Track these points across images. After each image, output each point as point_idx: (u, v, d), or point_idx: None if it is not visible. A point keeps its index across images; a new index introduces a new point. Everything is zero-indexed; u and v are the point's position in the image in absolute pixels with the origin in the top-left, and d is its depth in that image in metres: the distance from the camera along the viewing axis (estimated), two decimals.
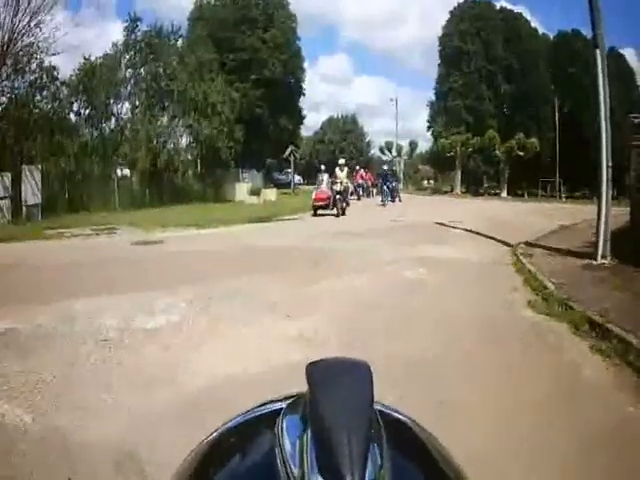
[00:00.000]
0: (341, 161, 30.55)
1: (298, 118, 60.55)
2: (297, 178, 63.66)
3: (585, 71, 40.18)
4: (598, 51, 10.42)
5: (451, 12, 64.66)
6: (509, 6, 66.29)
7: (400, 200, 37.60)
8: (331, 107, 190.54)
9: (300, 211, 27.73)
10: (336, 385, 0.81)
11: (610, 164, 10.42)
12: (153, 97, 35.75)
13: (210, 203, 32.38)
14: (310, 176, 65.18)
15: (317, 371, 0.85)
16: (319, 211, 26.07)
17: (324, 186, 26.75)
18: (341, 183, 27.17)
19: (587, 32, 11.82)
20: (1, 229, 18.37)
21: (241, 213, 25.44)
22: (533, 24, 65.03)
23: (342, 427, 0.72)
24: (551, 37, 64.18)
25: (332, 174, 28.92)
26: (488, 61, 59.86)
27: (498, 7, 64.49)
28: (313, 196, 27.44)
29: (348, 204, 28.37)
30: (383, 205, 34.55)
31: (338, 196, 26.02)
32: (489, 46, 59.85)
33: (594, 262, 10.07)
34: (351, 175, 38.65)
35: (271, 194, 38.12)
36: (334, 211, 25.77)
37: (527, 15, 67.80)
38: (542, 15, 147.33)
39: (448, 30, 63.46)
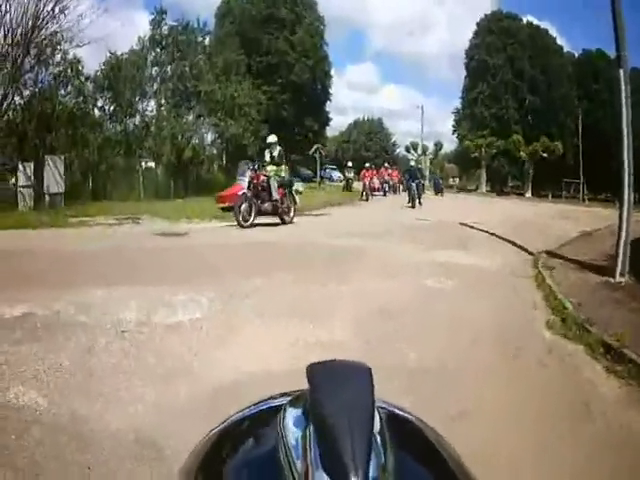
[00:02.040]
0: (271, 138, 20.25)
1: (324, 120, 60.62)
2: (336, 175, 62.55)
3: (608, 88, 40.26)
4: (622, 71, 10.43)
5: (478, 24, 65.14)
6: (535, 21, 66.53)
7: (420, 203, 31.29)
8: (358, 112, 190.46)
9: (327, 205, 27.61)
10: (337, 385, 0.81)
11: (632, 171, 10.40)
12: (180, 97, 35.91)
13: None
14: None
15: (318, 372, 0.85)
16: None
17: (246, 179, 18.39)
18: (256, 172, 18.55)
19: (611, 52, 11.79)
20: (22, 216, 18.41)
21: None
22: (558, 41, 65.65)
23: (344, 425, 0.73)
24: (575, 55, 64.47)
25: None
26: (513, 75, 60.08)
27: (525, 21, 64.89)
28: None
29: (288, 207, 19.62)
30: (411, 207, 30.06)
31: (242, 191, 17.86)
32: (514, 60, 59.98)
33: (612, 280, 10.02)
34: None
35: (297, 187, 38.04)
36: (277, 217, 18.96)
37: (553, 32, 67.75)
38: (566, 32, 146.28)
39: (474, 43, 63.70)
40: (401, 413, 1.03)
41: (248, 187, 17.95)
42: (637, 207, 12.21)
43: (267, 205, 18.50)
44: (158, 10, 36.96)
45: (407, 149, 74.42)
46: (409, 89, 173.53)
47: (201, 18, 45.79)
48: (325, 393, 0.80)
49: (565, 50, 65.17)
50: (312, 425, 0.80)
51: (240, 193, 17.80)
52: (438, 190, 48.57)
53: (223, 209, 18.74)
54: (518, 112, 60.41)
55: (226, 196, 19.05)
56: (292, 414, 0.90)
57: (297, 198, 20.27)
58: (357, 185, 42.84)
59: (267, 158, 19.59)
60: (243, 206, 17.47)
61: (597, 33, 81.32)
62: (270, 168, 18.93)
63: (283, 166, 19.80)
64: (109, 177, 28.45)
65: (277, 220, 18.89)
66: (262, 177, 18.50)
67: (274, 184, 18.61)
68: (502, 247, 15.11)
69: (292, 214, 19.68)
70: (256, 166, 18.79)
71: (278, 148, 19.75)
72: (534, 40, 60.88)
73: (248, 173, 18.29)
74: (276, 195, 18.64)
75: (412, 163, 37.67)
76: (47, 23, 24.88)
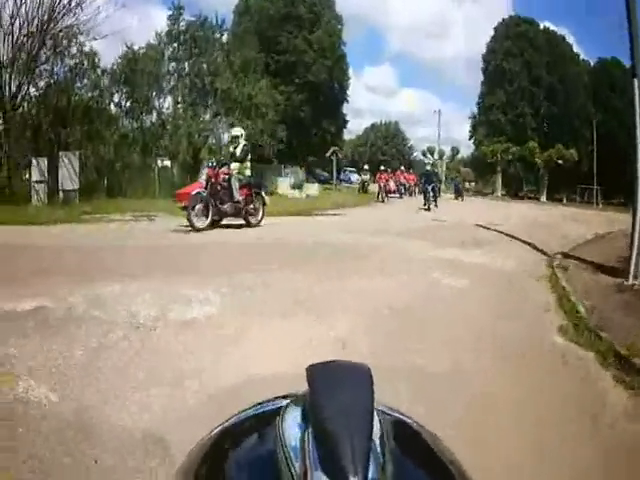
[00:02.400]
0: (235, 131, 18.72)
1: (341, 123, 60.76)
2: (355, 177, 59.64)
3: (623, 97, 40.43)
4: (636, 80, 10.39)
5: (495, 29, 65.41)
6: (552, 26, 66.74)
7: (437, 206, 31.42)
8: (375, 115, 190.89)
9: (341, 206, 27.24)
10: (337, 387, 0.81)
11: None
12: (197, 94, 36.04)
13: None
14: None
15: (318, 373, 0.85)
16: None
17: (204, 177, 16.56)
18: (215, 169, 16.60)
19: (626, 60, 11.78)
20: (37, 213, 18.22)
21: (282, 207, 23.67)
22: (575, 49, 66.23)
23: (344, 427, 0.73)
24: (591, 63, 64.78)
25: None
26: (530, 82, 60.31)
27: (542, 27, 65.14)
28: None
29: (255, 209, 17.66)
30: (427, 209, 29.98)
31: (197, 190, 16.10)
32: (531, 67, 60.25)
33: (626, 282, 9.95)
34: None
35: (313, 189, 38.06)
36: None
37: (569, 39, 68.10)
38: (582, 39, 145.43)
39: (492, 47, 64.03)
40: (400, 417, 1.02)
41: (205, 186, 16.20)
42: None
43: (227, 206, 16.63)
44: (176, 6, 37.14)
45: (424, 153, 74.72)
46: (426, 93, 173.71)
47: (219, 15, 45.73)
48: (325, 395, 0.79)
49: (581, 58, 65.52)
50: (311, 428, 0.79)
51: (194, 192, 16.06)
52: (458, 194, 46.96)
53: (183, 208, 16.63)
54: (534, 119, 60.74)
55: (184, 194, 18.02)
56: (292, 416, 0.89)
57: (267, 199, 18.34)
58: (373, 187, 42.94)
59: (237, 141, 17.82)
60: (197, 207, 15.69)
61: (612, 42, 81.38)
62: (233, 166, 16.92)
63: (248, 163, 17.91)
64: (124, 175, 28.35)
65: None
66: (222, 175, 16.61)
67: (235, 184, 16.71)
68: (517, 247, 15.10)
69: (260, 217, 17.75)
70: (214, 163, 17.05)
71: (242, 143, 17.70)
72: (551, 46, 61.36)
73: (205, 170, 16.69)
74: (238, 196, 16.75)
75: (428, 167, 37.28)
76: (63, 16, 25.07)
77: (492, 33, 66.15)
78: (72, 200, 22.06)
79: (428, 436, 0.98)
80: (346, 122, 63.00)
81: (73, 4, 24.96)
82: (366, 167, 48.17)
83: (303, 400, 0.88)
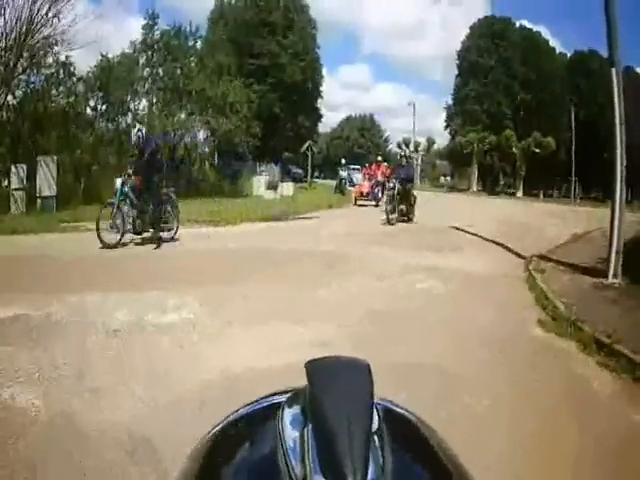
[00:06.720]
0: None
1: (316, 118, 60.64)
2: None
3: (601, 87, 40.37)
4: (614, 70, 10.43)
5: (471, 27, 65.31)
6: (529, 25, 66.72)
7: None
8: (351, 109, 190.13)
9: (319, 208, 26.80)
10: (336, 384, 0.82)
11: (624, 163, 10.38)
12: (171, 95, 35.88)
13: (227, 197, 30.99)
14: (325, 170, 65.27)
15: (317, 369, 0.86)
16: None
17: None
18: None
19: (604, 51, 11.81)
20: (15, 221, 18.29)
21: (258, 211, 23.61)
22: (551, 43, 65.91)
23: (343, 424, 0.74)
24: (568, 55, 64.56)
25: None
26: (506, 75, 60.07)
27: (517, 25, 64.92)
28: None
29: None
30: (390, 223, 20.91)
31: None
32: (507, 62, 60.11)
33: (605, 281, 9.98)
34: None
35: (288, 188, 37.78)
36: None
37: (547, 35, 68.26)
38: (560, 34, 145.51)
39: (467, 45, 63.93)
40: (399, 411, 1.04)
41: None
42: (629, 205, 12.17)
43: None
44: (150, 14, 37.08)
45: (399, 145, 74.25)
46: (401, 86, 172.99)
47: (194, 21, 45.67)
48: (324, 392, 0.81)
49: (558, 52, 65.27)
50: (311, 424, 0.81)
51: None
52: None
53: None
54: (510, 107, 60.40)
55: None
56: (291, 413, 0.90)
57: None
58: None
59: None
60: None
61: (590, 33, 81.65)
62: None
63: None
64: (101, 178, 28.07)
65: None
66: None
67: None
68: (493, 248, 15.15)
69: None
70: None
71: None
72: (527, 42, 60.97)
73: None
74: None
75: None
76: (41, 27, 24.85)
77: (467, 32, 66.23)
78: (50, 208, 21.95)
79: (428, 432, 1.00)
80: (321, 117, 63.16)
81: (51, 14, 24.78)
82: (343, 161, 46.60)
83: (302, 396, 0.89)
